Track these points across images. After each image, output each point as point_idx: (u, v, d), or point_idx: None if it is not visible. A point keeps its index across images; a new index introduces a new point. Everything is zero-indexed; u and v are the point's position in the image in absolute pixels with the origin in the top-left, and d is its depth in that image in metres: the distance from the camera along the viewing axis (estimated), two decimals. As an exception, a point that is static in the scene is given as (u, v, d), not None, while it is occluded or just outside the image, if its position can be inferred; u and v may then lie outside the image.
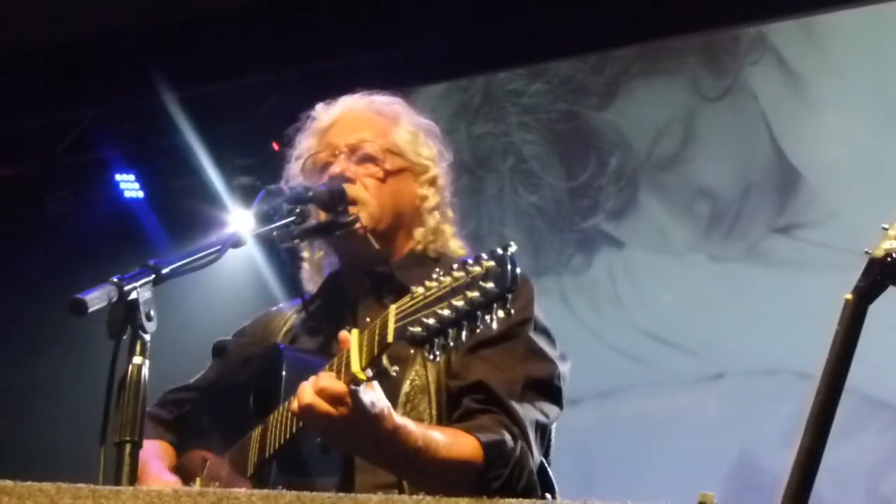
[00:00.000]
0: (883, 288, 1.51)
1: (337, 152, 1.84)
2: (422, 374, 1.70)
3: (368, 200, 1.80)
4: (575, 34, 4.09)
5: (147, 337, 1.43)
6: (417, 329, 1.28)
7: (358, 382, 1.41)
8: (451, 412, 1.68)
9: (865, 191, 3.63)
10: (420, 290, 1.31)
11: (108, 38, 4.26)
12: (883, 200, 3.24)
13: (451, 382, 1.70)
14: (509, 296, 1.25)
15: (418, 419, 1.62)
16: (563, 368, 1.76)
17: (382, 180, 1.82)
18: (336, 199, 1.76)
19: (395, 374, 1.43)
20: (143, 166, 4.72)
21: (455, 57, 4.25)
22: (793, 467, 1.47)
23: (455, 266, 1.28)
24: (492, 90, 4.39)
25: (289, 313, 1.92)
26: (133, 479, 1.36)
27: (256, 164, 4.49)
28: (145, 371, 1.42)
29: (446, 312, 1.26)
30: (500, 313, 1.26)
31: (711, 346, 3.83)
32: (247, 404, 1.70)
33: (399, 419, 1.50)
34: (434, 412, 1.68)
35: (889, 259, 1.50)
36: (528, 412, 1.67)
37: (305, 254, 1.92)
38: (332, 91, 1.94)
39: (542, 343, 1.74)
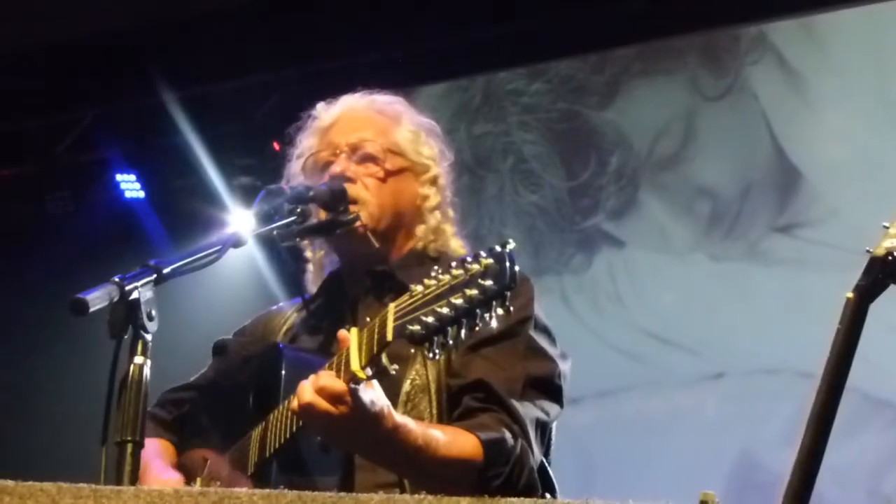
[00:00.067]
0: (884, 287, 1.51)
1: (338, 151, 1.84)
2: (422, 373, 1.70)
3: (369, 200, 1.80)
4: (575, 34, 4.09)
5: (148, 336, 1.43)
6: (417, 327, 1.28)
7: (358, 381, 1.41)
8: (451, 411, 1.68)
9: (866, 189, 3.63)
10: (419, 288, 1.31)
11: (108, 38, 4.26)
12: (883, 199, 3.23)
13: (452, 381, 1.70)
14: (508, 293, 1.25)
15: (419, 418, 1.62)
16: (564, 367, 1.76)
17: (383, 180, 1.82)
18: (337, 199, 1.76)
19: (394, 372, 1.43)
20: (143, 166, 4.73)
21: (455, 57, 4.25)
22: (794, 467, 1.47)
23: (454, 264, 1.28)
24: (492, 90, 4.40)
25: (289, 312, 1.93)
26: (134, 479, 1.36)
27: (257, 164, 4.49)
28: (146, 371, 1.42)
29: (445, 311, 1.26)
30: (500, 311, 1.26)
31: (712, 345, 3.83)
32: (247, 403, 1.70)
33: (399, 418, 1.50)
34: (434, 411, 1.68)
35: (890, 257, 1.50)
36: (529, 410, 1.67)
37: (308, 254, 1.92)
38: (332, 91, 1.94)
39: (542, 341, 1.74)
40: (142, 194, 4.74)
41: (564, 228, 4.19)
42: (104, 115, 4.65)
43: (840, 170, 3.79)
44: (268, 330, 1.91)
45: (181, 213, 4.58)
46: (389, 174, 1.83)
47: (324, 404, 1.41)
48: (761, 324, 3.74)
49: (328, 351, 1.61)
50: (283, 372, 1.64)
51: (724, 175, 3.98)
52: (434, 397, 1.68)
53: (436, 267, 1.31)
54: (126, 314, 1.41)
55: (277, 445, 1.57)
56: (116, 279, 1.43)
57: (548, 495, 1.71)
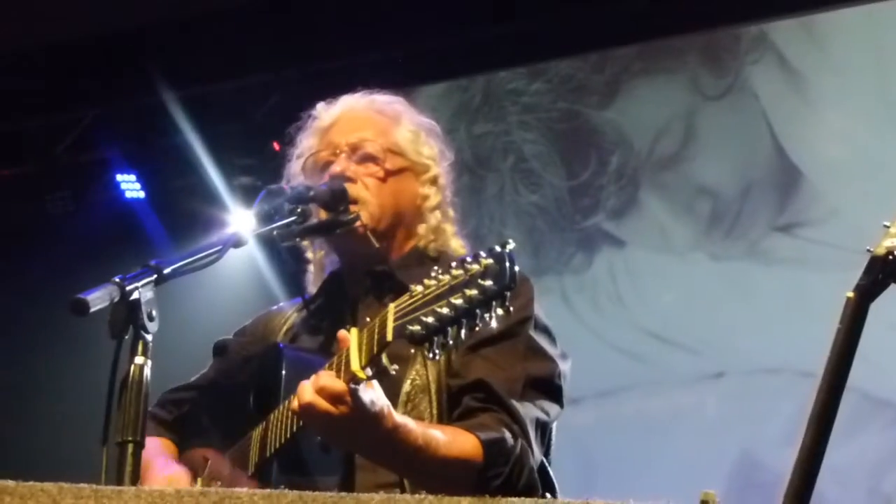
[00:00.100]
0: (884, 286, 1.51)
1: (338, 151, 1.84)
2: (422, 373, 1.70)
3: (369, 200, 1.80)
4: (575, 33, 4.08)
5: (149, 337, 1.43)
6: (417, 328, 1.28)
7: (358, 381, 1.41)
8: (451, 411, 1.68)
9: (866, 189, 3.63)
10: (419, 288, 1.31)
11: (108, 38, 4.26)
12: (884, 198, 3.23)
13: (452, 381, 1.70)
14: (508, 293, 1.25)
15: (419, 418, 1.62)
16: (564, 367, 1.76)
17: (383, 180, 1.82)
18: (337, 199, 1.76)
19: (394, 372, 1.43)
20: (143, 166, 4.73)
21: (455, 57, 4.25)
22: (794, 466, 1.47)
23: (454, 264, 1.28)
24: (492, 89, 4.39)
25: (289, 312, 1.93)
26: (135, 479, 1.36)
27: (257, 164, 4.50)
28: (147, 371, 1.42)
29: (445, 311, 1.26)
30: (500, 311, 1.26)
31: (712, 344, 3.83)
32: (247, 403, 1.70)
33: (399, 417, 1.50)
34: (435, 411, 1.68)
35: (890, 257, 1.50)
36: (529, 411, 1.67)
37: (309, 255, 1.92)
38: (332, 91, 1.94)
39: (542, 341, 1.74)
40: (142, 194, 4.74)
41: (565, 228, 4.19)
42: (104, 115, 4.65)
43: (840, 169, 3.79)
44: (268, 330, 1.91)
45: (181, 214, 4.58)
46: (389, 174, 1.83)
47: (324, 404, 1.41)
48: (762, 323, 3.74)
49: (328, 351, 1.61)
50: (284, 372, 1.64)
51: (724, 174, 3.98)
52: (434, 397, 1.69)
53: (436, 267, 1.31)
54: (127, 314, 1.41)
55: (278, 445, 1.58)
56: (117, 279, 1.43)
57: (548, 495, 1.71)
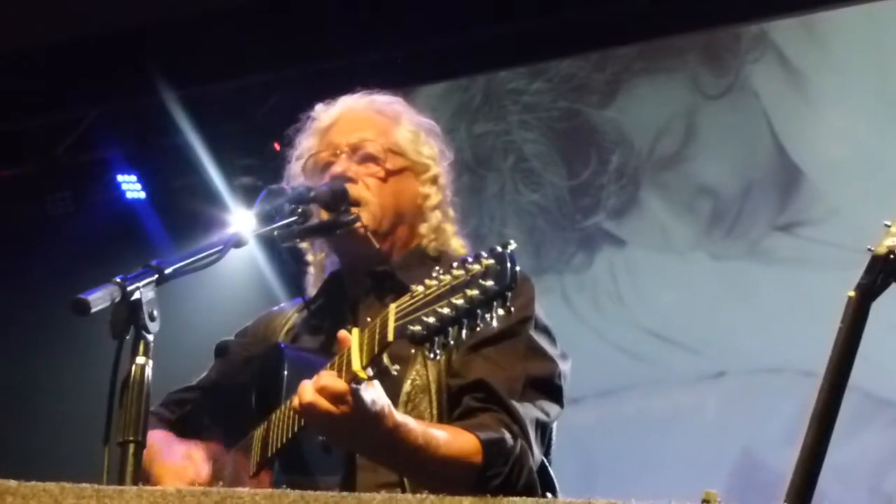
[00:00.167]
0: (886, 285, 1.51)
1: (338, 152, 1.84)
2: (423, 373, 1.70)
3: (370, 200, 1.80)
4: (576, 33, 4.08)
5: (150, 337, 1.43)
6: (417, 328, 1.29)
7: (359, 381, 1.41)
8: (451, 411, 1.68)
9: (867, 188, 3.63)
10: (420, 288, 1.31)
11: (108, 38, 4.26)
12: (885, 197, 3.23)
13: (452, 381, 1.70)
14: (509, 293, 1.25)
15: (419, 418, 1.62)
16: (564, 367, 1.76)
17: (384, 180, 1.82)
18: (338, 199, 1.76)
19: (395, 372, 1.43)
20: (144, 166, 4.73)
21: (455, 56, 4.25)
22: (796, 465, 1.47)
23: (455, 264, 1.28)
24: (492, 89, 4.39)
25: (290, 312, 1.93)
26: (137, 479, 1.36)
27: (257, 165, 4.50)
28: (148, 371, 1.42)
29: (446, 311, 1.26)
30: (500, 311, 1.26)
31: (713, 344, 3.83)
32: (249, 403, 1.70)
33: (399, 417, 1.50)
34: (435, 411, 1.68)
35: (892, 256, 1.50)
36: (529, 411, 1.67)
37: (310, 256, 1.92)
38: (332, 91, 1.94)
39: (542, 341, 1.74)
40: (143, 194, 4.74)
41: (565, 227, 4.19)
42: (105, 115, 4.65)
43: (841, 168, 3.79)
44: (269, 330, 1.91)
45: (182, 214, 4.58)
46: (390, 174, 1.83)
47: (325, 404, 1.42)
48: (762, 323, 3.74)
49: (329, 351, 1.61)
50: (285, 372, 1.64)
51: (724, 174, 3.98)
52: (434, 397, 1.69)
53: (437, 267, 1.31)
54: (128, 314, 1.42)
55: (279, 445, 1.58)
56: (118, 279, 1.43)
57: (548, 495, 1.71)
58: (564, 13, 4.02)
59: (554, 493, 1.74)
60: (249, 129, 4.53)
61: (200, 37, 4.17)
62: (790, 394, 3.43)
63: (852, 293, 1.51)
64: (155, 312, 1.43)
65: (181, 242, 4.44)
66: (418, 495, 1.19)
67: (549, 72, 4.29)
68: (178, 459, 1.70)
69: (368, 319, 1.41)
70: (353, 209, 1.78)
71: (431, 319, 1.27)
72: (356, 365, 1.40)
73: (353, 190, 1.79)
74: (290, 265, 1.94)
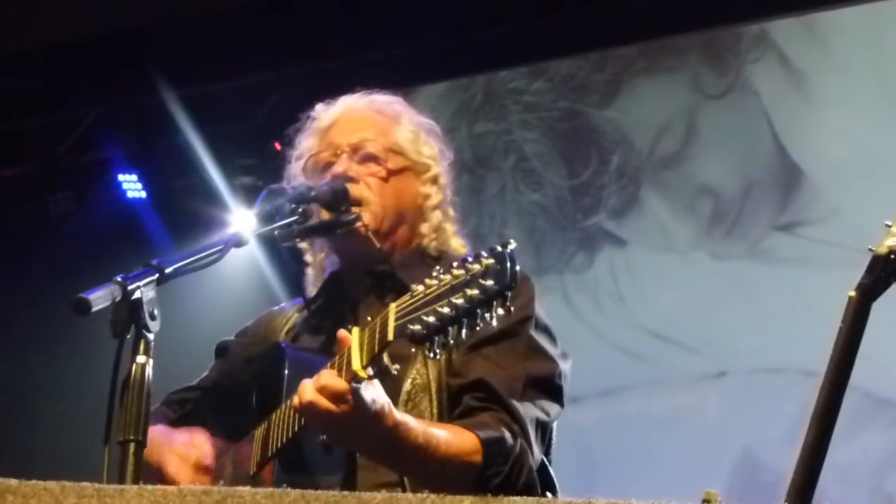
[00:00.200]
0: (887, 285, 1.51)
1: (339, 152, 1.84)
2: (423, 372, 1.70)
3: (372, 200, 1.80)
4: (576, 33, 4.08)
5: (151, 336, 1.43)
6: (417, 327, 1.29)
7: (359, 380, 1.41)
8: (451, 410, 1.68)
9: (868, 188, 3.62)
10: (420, 288, 1.31)
11: (109, 38, 4.26)
12: (885, 197, 3.24)
13: (452, 380, 1.70)
14: (509, 293, 1.25)
15: (419, 418, 1.62)
16: (564, 367, 1.76)
17: (385, 179, 1.82)
18: (339, 199, 1.76)
19: (396, 372, 1.43)
20: (145, 166, 4.73)
21: (455, 56, 4.25)
22: (797, 465, 1.47)
23: (455, 264, 1.29)
24: (493, 89, 4.39)
25: (290, 312, 1.93)
26: (137, 478, 1.36)
27: (258, 164, 4.50)
28: (149, 370, 1.42)
29: (446, 310, 1.26)
30: (500, 311, 1.26)
31: (714, 344, 3.83)
32: (249, 403, 1.70)
33: (399, 416, 1.50)
34: (435, 410, 1.68)
35: (892, 256, 1.50)
36: (529, 410, 1.67)
37: (308, 257, 1.92)
38: (332, 91, 1.94)
39: (542, 341, 1.74)
40: (143, 194, 4.75)
41: (566, 227, 4.19)
42: (105, 115, 4.65)
43: (842, 168, 3.79)
44: (269, 330, 1.91)
45: (183, 213, 4.59)
46: (392, 174, 1.83)
47: (325, 403, 1.42)
48: (763, 322, 3.74)
49: (330, 350, 1.61)
50: (286, 371, 1.64)
51: (725, 173, 3.98)
52: (435, 396, 1.69)
53: (437, 267, 1.31)
54: (129, 314, 1.42)
55: (280, 444, 1.58)
56: (119, 279, 1.43)
57: (549, 494, 1.71)
58: (564, 13, 4.02)
59: (554, 492, 1.74)
60: (250, 129, 4.53)
61: (200, 37, 4.17)
62: (791, 394, 3.43)
63: (853, 293, 1.50)
64: (156, 312, 1.43)
65: (182, 242, 4.44)
66: (419, 495, 1.19)
67: (550, 71, 4.29)
68: (181, 445, 1.71)
69: (369, 319, 1.41)
70: (354, 209, 1.78)
71: (431, 319, 1.27)
72: (356, 364, 1.40)
73: (355, 190, 1.79)
74: (290, 265, 1.93)
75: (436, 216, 1.86)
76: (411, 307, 1.31)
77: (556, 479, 1.77)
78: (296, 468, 1.60)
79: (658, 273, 3.99)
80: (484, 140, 4.36)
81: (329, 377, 1.43)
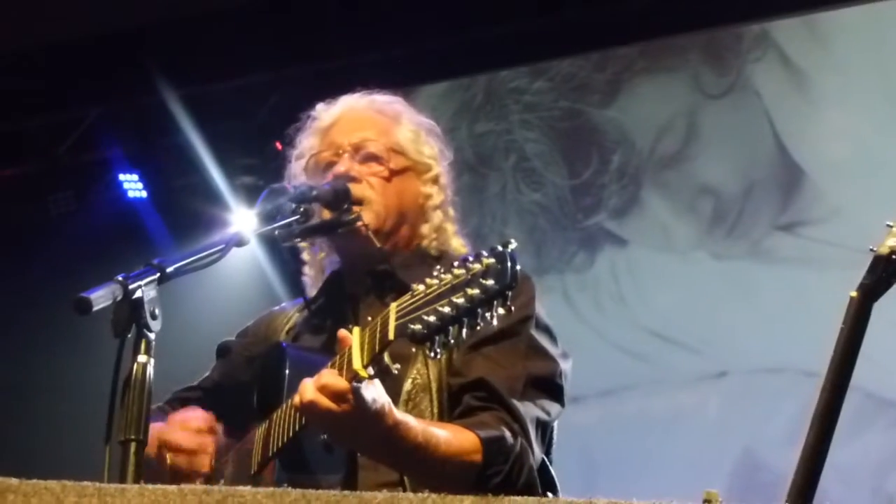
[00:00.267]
0: (888, 285, 1.51)
1: (340, 151, 1.84)
2: (423, 372, 1.70)
3: (374, 199, 1.80)
4: (576, 32, 4.08)
5: (152, 335, 1.43)
6: (418, 326, 1.29)
7: (360, 380, 1.41)
8: (452, 410, 1.69)
9: (869, 188, 3.62)
10: (421, 287, 1.31)
11: (109, 37, 4.26)
12: (887, 197, 3.24)
13: (453, 380, 1.70)
14: (509, 292, 1.25)
15: (420, 417, 1.62)
16: (565, 366, 1.76)
17: (387, 179, 1.82)
18: (341, 199, 1.77)
19: (396, 371, 1.43)
20: (145, 166, 4.73)
21: (456, 56, 4.25)
22: (798, 465, 1.47)
23: (456, 263, 1.29)
24: (494, 88, 4.39)
25: (291, 312, 1.93)
26: (138, 478, 1.36)
27: (259, 164, 4.50)
28: (150, 369, 1.42)
29: (447, 310, 1.26)
30: (501, 310, 1.26)
31: (715, 344, 3.83)
32: (251, 403, 1.70)
33: (400, 415, 1.50)
34: (436, 410, 1.68)
35: (894, 256, 1.50)
36: (529, 410, 1.67)
37: (307, 256, 1.92)
38: (332, 91, 1.95)
39: (543, 341, 1.74)
40: (144, 194, 4.75)
41: (567, 227, 4.19)
42: (106, 114, 4.65)
43: (843, 168, 3.79)
44: (270, 330, 1.91)
45: (184, 213, 4.59)
46: (394, 173, 1.83)
47: (326, 402, 1.42)
48: (764, 322, 3.74)
49: (331, 350, 1.61)
50: (287, 371, 1.64)
51: (726, 173, 3.98)
52: (435, 396, 1.69)
53: (438, 266, 1.31)
54: (130, 313, 1.42)
55: (281, 444, 1.58)
56: (120, 278, 1.43)
57: (549, 494, 1.71)
58: (565, 13, 4.02)
59: (555, 492, 1.74)
60: (250, 129, 4.53)
61: (200, 37, 4.17)
62: (791, 394, 3.43)
63: (854, 293, 1.51)
64: (156, 311, 1.43)
65: (183, 241, 4.44)
66: (420, 494, 1.19)
67: (551, 71, 4.29)
68: (179, 419, 1.73)
69: (369, 318, 1.41)
70: (355, 208, 1.78)
71: (432, 318, 1.27)
72: (357, 364, 1.40)
73: (357, 189, 1.79)
74: (291, 264, 1.93)
75: (437, 216, 1.86)
76: (412, 307, 1.31)
77: (556, 479, 1.77)
78: (297, 467, 1.60)
79: (659, 273, 3.99)
80: (485, 140, 4.36)
81: (330, 376, 1.43)
